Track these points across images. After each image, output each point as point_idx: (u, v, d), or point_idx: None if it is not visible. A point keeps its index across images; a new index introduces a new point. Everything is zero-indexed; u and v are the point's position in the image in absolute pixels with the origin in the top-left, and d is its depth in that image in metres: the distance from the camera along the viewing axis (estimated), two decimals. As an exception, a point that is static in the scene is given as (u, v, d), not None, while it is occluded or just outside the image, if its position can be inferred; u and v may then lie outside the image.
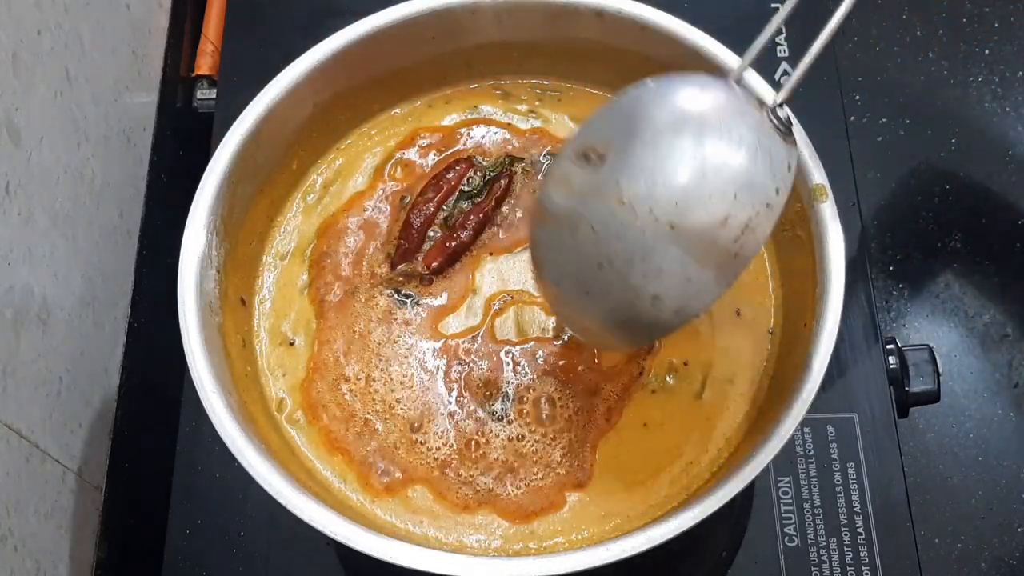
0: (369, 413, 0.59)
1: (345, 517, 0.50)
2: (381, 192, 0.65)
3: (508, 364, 0.59)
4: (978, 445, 0.79)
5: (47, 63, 0.65)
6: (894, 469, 0.65)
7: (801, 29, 0.80)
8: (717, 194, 0.44)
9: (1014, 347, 0.82)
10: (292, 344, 0.61)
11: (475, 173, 0.64)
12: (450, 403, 0.59)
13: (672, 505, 0.55)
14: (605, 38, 0.63)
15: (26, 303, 0.61)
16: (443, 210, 0.63)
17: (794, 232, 0.59)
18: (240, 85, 0.75)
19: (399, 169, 0.65)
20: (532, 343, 0.60)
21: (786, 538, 0.64)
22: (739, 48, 0.60)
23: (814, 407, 0.51)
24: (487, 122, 0.66)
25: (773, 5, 0.80)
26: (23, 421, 0.60)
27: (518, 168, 0.65)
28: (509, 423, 0.58)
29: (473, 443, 0.58)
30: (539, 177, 0.65)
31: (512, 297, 0.61)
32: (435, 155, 0.65)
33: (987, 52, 0.93)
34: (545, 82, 0.67)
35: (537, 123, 0.67)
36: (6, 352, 0.58)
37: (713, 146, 0.45)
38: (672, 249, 0.44)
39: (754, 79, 0.57)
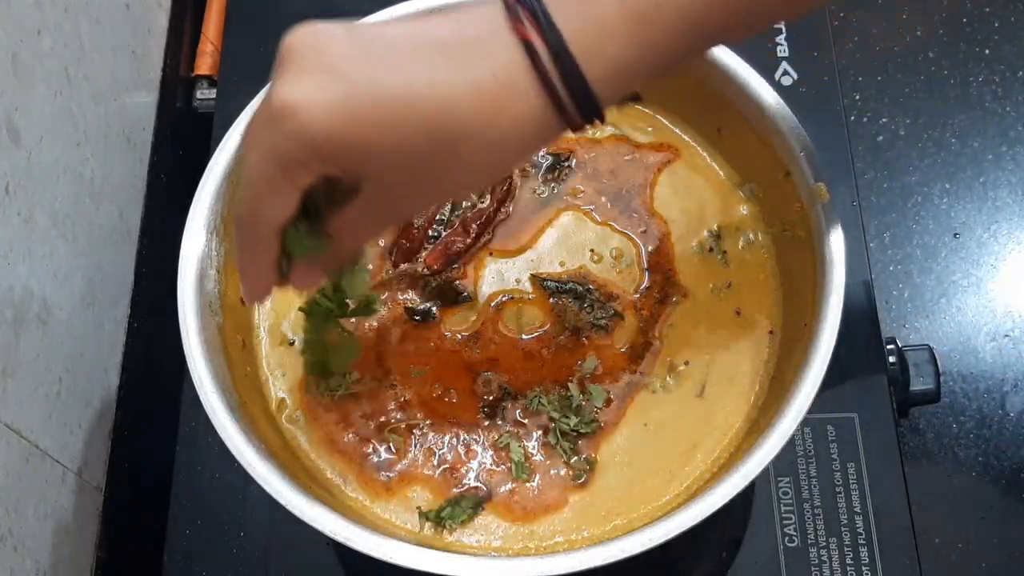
0: (368, 413, 0.59)
1: (345, 517, 0.50)
2: (381, 192, 0.64)
3: (508, 364, 0.59)
4: (978, 445, 0.79)
5: (47, 63, 0.65)
6: (894, 469, 0.65)
7: (800, 29, 0.80)
8: None
9: (1015, 347, 0.82)
10: (292, 344, 0.61)
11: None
12: (450, 403, 0.59)
13: (672, 505, 0.55)
14: (605, 38, 0.62)
15: (26, 303, 0.61)
16: (444, 210, 0.63)
17: (794, 232, 0.59)
18: (240, 85, 0.75)
19: (399, 169, 0.65)
20: (532, 343, 0.60)
21: (786, 538, 0.64)
22: (738, 47, 0.60)
23: (814, 407, 0.51)
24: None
25: (773, 5, 0.80)
26: (23, 421, 0.60)
27: (517, 168, 0.65)
28: (509, 423, 0.58)
29: (473, 443, 0.58)
30: (539, 177, 0.65)
31: (512, 297, 0.61)
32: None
33: (987, 52, 0.93)
34: (545, 82, 0.67)
35: (537, 123, 0.66)
36: (6, 352, 0.58)
37: None
38: None
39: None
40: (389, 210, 0.45)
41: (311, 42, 0.41)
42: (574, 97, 0.40)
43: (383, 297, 0.61)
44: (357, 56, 0.40)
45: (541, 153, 0.65)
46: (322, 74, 0.40)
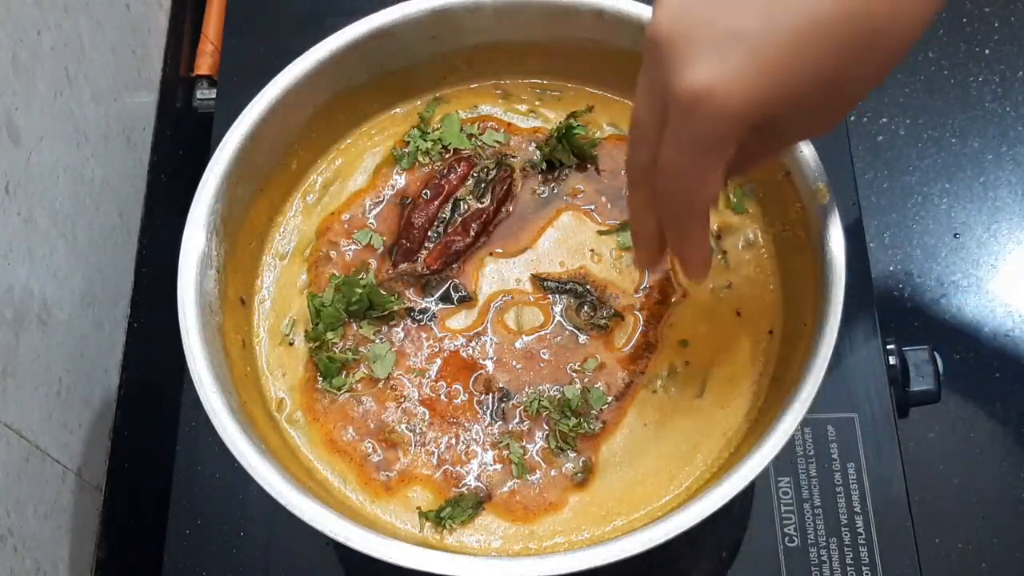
0: (368, 413, 0.59)
1: (345, 517, 0.50)
2: (381, 192, 0.65)
3: (508, 364, 0.59)
4: (978, 445, 0.79)
5: (47, 63, 0.65)
6: (894, 469, 0.65)
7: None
8: None
9: (1015, 347, 0.82)
10: (292, 344, 0.61)
11: (476, 173, 0.64)
12: (450, 403, 0.59)
13: (672, 505, 0.55)
14: (605, 38, 0.63)
15: (26, 303, 0.61)
16: (444, 210, 0.63)
17: (794, 232, 0.59)
18: (240, 85, 0.75)
19: (399, 169, 0.65)
20: (532, 343, 0.60)
21: (786, 538, 0.64)
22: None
23: (814, 407, 0.51)
24: (487, 120, 0.66)
25: (773, 5, 0.80)
26: (23, 421, 0.60)
27: (518, 168, 0.65)
28: (509, 423, 0.58)
29: (473, 443, 0.58)
30: (539, 177, 0.65)
31: (512, 297, 0.61)
32: (435, 155, 0.65)
33: (987, 52, 0.93)
34: (545, 82, 0.67)
35: (537, 123, 0.67)
36: (6, 352, 0.58)
37: None
38: None
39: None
40: (797, 134, 0.45)
41: (680, 20, 0.38)
42: None
43: (383, 297, 0.61)
44: (735, 7, 0.38)
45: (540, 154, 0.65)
46: (715, 46, 0.38)
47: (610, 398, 0.58)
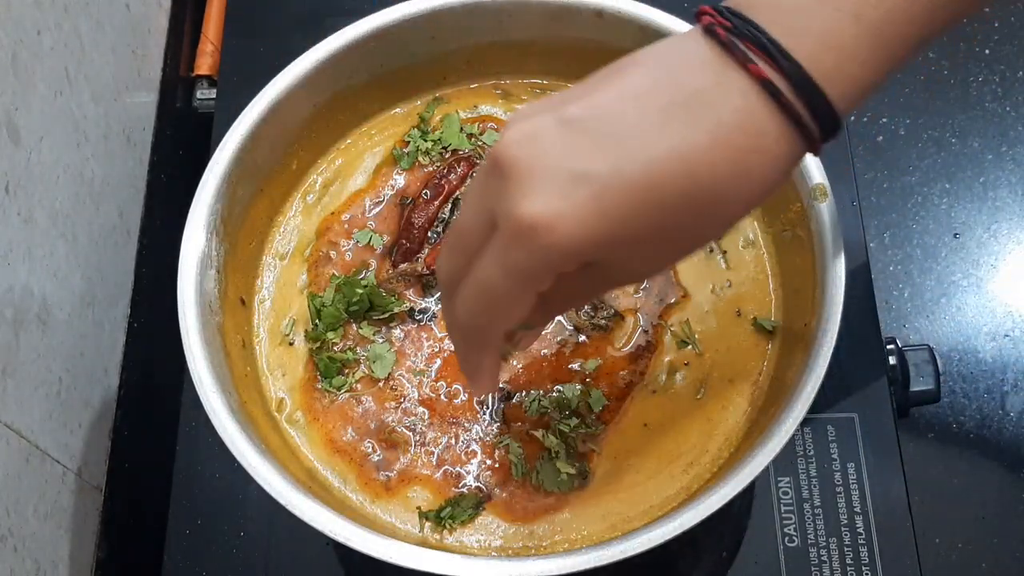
0: (368, 413, 0.59)
1: (345, 517, 0.50)
2: (381, 192, 0.65)
3: (508, 364, 0.59)
4: (978, 445, 0.79)
5: (47, 63, 0.65)
6: (894, 469, 0.65)
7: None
8: None
9: (1014, 347, 0.82)
10: (292, 344, 0.61)
11: (476, 173, 0.64)
12: (450, 403, 0.59)
13: (672, 505, 0.55)
14: (605, 38, 0.63)
15: (26, 303, 0.61)
16: (444, 210, 0.63)
17: (794, 232, 0.59)
18: (240, 85, 0.75)
19: (399, 169, 0.65)
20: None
21: (786, 538, 0.64)
22: (739, 48, 0.60)
23: (814, 407, 0.51)
24: (487, 120, 0.66)
25: (773, 5, 0.80)
26: (23, 421, 0.60)
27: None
28: (509, 423, 0.58)
29: (473, 443, 0.58)
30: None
31: (512, 297, 0.61)
32: (435, 155, 0.65)
33: (987, 52, 0.93)
34: (545, 82, 0.67)
35: (537, 123, 0.66)
36: (6, 352, 0.58)
37: None
38: None
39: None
40: (625, 277, 0.44)
41: (531, 147, 0.38)
42: (822, 126, 0.38)
43: (383, 297, 0.61)
44: (585, 146, 0.37)
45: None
46: (559, 182, 0.37)
47: (610, 395, 0.58)
